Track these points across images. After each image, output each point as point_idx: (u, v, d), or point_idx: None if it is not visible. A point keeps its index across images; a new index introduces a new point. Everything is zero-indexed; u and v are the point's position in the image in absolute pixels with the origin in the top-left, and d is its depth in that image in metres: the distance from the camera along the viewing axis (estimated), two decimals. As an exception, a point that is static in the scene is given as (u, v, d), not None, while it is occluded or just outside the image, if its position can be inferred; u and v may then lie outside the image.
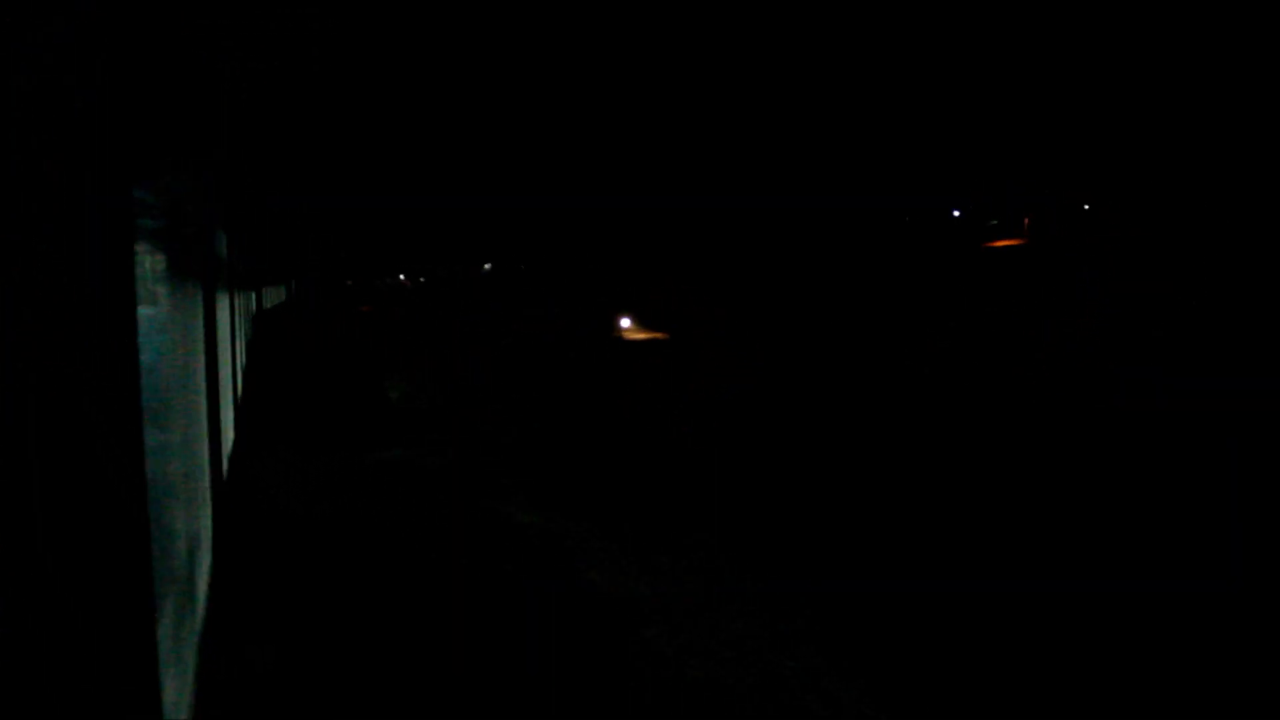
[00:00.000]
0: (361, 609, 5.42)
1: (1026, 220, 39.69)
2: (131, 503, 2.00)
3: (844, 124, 50.32)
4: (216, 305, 7.03)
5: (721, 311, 35.88)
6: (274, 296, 48.31)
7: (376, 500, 8.15)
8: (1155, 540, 7.73)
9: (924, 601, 6.19)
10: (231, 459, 8.50)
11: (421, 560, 6.36)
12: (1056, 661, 5.29)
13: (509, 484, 9.35)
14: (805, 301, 38.33)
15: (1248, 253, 30.21)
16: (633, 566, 6.68)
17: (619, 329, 32.36)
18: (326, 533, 7.07)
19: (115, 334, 1.89)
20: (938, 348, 25.84)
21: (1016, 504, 8.94)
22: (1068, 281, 25.30)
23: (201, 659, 3.97)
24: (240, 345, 13.70)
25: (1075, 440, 12.62)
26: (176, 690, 2.89)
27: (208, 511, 5.31)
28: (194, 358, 5.12)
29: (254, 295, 27.48)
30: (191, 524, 4.11)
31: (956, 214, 45.97)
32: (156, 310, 2.84)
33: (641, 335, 30.51)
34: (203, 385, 5.62)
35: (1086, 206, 38.39)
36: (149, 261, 2.66)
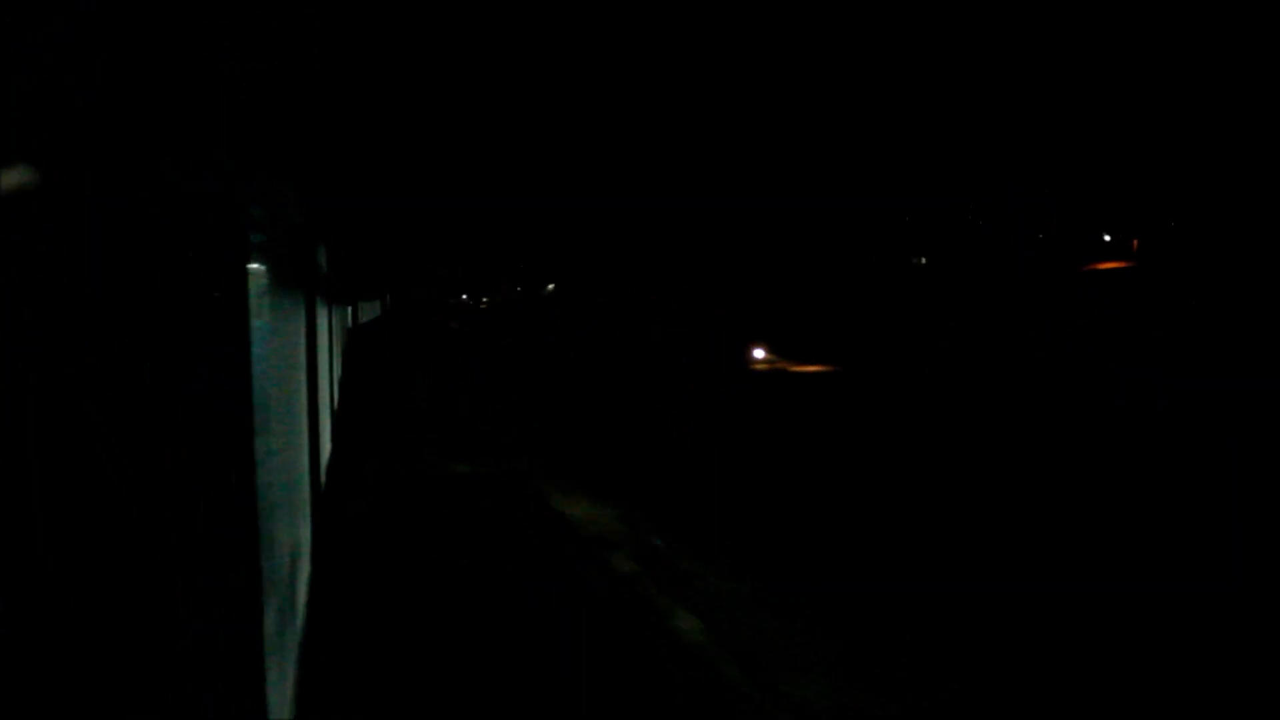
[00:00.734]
0: (449, 620, 5.53)
1: (1135, 242, 37.83)
2: (243, 513, 2.07)
3: (844, 124, 49.19)
4: (317, 318, 7.27)
5: (721, 311, 35.44)
6: (369, 311, 49.80)
7: (457, 511, 8.33)
8: (1155, 540, 7.64)
9: (924, 602, 6.14)
10: (328, 469, 8.77)
11: (498, 569, 6.47)
12: (1056, 661, 5.24)
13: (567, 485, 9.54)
14: (805, 302, 38.08)
15: (1247, 253, 29.22)
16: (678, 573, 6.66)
17: (750, 360, 25.91)
18: (415, 542, 7.25)
19: (231, 346, 1.97)
20: (938, 348, 25.46)
21: (1016, 504, 8.86)
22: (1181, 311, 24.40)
23: (301, 663, 4.09)
24: (337, 358, 14.15)
25: (1075, 440, 12.53)
26: (279, 692, 2.98)
27: (307, 521, 5.48)
28: (296, 370, 5.30)
29: (349, 309, 28.38)
30: (293, 533, 4.24)
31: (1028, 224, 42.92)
32: (261, 322, 2.94)
33: (795, 368, 24.21)
34: (304, 397, 5.81)
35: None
36: (253, 274, 2.75)
